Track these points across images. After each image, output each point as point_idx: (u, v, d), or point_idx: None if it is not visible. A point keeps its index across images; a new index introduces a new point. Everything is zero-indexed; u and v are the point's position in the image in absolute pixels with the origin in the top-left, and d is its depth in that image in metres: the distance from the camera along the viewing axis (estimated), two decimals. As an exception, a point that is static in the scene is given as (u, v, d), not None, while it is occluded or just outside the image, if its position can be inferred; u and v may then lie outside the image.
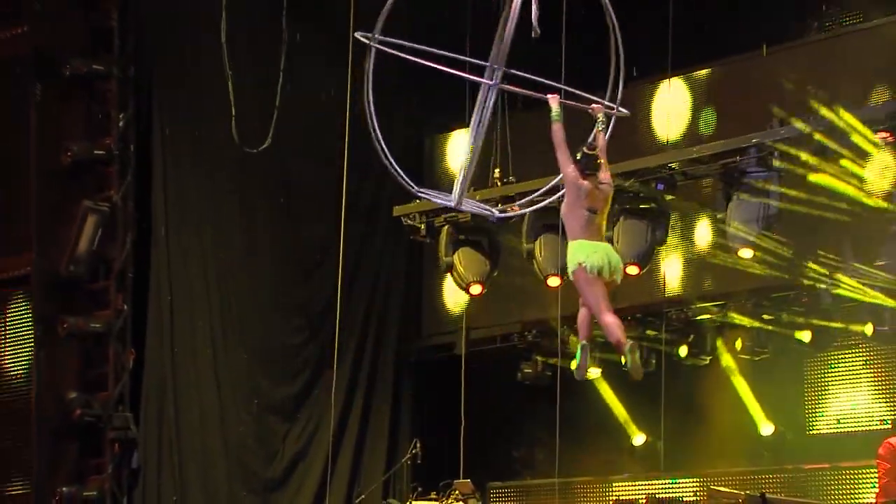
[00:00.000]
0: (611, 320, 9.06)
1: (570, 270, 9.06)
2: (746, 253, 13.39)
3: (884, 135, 12.82)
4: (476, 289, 14.73)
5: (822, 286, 13.80)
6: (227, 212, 15.34)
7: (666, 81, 14.63)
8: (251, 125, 14.68)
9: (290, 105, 14.72)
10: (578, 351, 9.25)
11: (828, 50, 13.76)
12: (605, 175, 9.15)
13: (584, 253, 9.01)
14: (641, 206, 13.79)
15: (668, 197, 13.89)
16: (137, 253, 14.98)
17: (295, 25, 14.88)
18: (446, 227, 14.79)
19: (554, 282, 14.22)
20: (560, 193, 9.32)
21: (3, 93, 14.92)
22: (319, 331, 15.41)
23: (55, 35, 14.72)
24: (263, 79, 14.69)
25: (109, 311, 14.75)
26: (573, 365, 9.47)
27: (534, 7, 8.92)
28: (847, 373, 14.29)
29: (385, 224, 15.59)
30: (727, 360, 14.78)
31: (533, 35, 8.98)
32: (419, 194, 9.52)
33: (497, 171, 14.61)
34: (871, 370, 14.42)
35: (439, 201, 9.62)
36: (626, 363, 9.19)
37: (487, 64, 8.98)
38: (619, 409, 15.45)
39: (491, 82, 8.96)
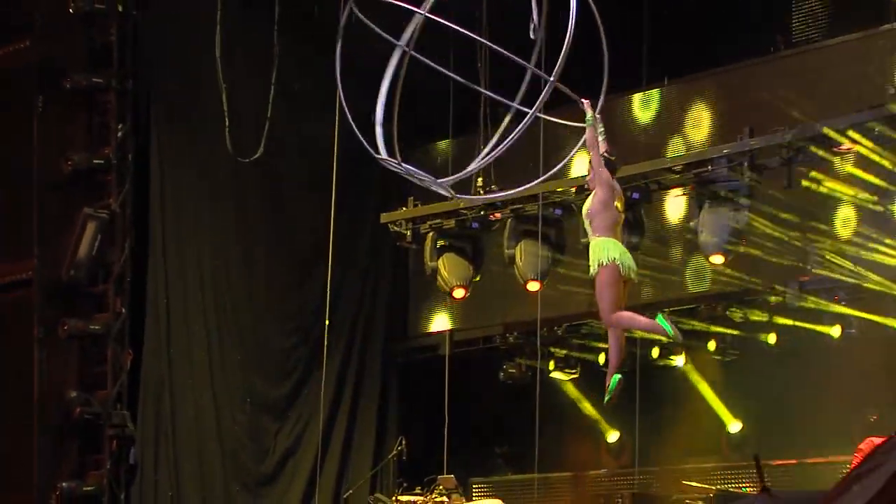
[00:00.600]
0: (626, 314, 9.31)
1: (600, 265, 9.15)
2: (717, 259, 13.76)
3: (846, 145, 13.30)
4: (459, 293, 15.06)
5: (790, 291, 14.23)
6: (222, 218, 15.55)
7: (640, 94, 15.01)
8: (244, 135, 14.88)
9: (281, 116, 14.94)
10: (614, 383, 9.34)
11: (797, 65, 14.06)
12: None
13: (618, 251, 9.23)
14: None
15: (644, 205, 14.26)
16: (135, 258, 15.19)
17: (286, 39, 15.11)
18: (431, 233, 15.11)
19: (533, 286, 14.56)
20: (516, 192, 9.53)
21: (7, 104, 15.16)
22: (309, 333, 15.61)
23: (57, 49, 14.96)
24: (256, 91, 14.88)
25: (108, 314, 14.96)
26: (608, 394, 9.49)
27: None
28: (812, 373, 14.65)
29: (372, 231, 15.81)
30: (699, 360, 15.09)
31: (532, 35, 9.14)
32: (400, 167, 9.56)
33: (480, 179, 14.84)
34: (837, 371, 14.79)
35: (420, 176, 9.65)
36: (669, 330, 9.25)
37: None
38: (594, 409, 15.70)
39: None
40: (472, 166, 9.61)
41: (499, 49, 9.28)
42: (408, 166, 9.45)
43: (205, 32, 14.66)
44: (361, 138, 9.35)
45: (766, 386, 14.70)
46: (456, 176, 9.70)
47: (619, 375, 9.41)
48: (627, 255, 9.27)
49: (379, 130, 9.29)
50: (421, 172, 9.51)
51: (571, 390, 15.86)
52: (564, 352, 15.75)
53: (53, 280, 14.85)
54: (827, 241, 13.68)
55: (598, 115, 9.33)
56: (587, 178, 9.53)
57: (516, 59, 9.14)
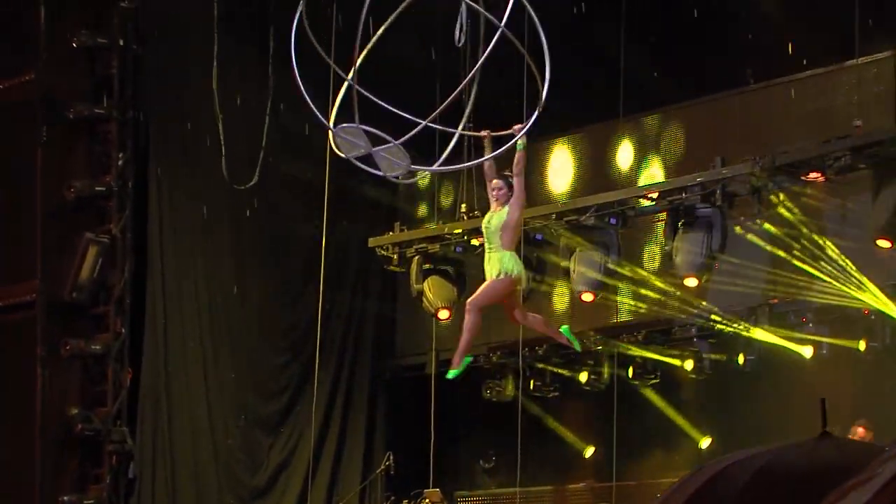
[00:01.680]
0: (536, 317, 10.24)
1: (505, 274, 9.87)
2: (691, 281, 14.19)
3: (815, 175, 13.81)
4: (444, 314, 15.32)
5: (760, 314, 14.68)
6: (218, 243, 15.83)
7: (618, 126, 15.44)
8: (239, 163, 15.18)
9: (275, 145, 15.29)
10: (463, 366, 10.26)
11: (766, 97, 14.48)
12: None
13: (521, 267, 10.01)
14: (596, 238, 14.59)
15: (621, 230, 14.69)
16: (135, 281, 15.50)
17: (280, 71, 15.51)
18: (417, 257, 15.40)
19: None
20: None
21: (12, 134, 15.47)
22: (301, 352, 15.83)
23: (60, 82, 15.31)
24: (251, 120, 15.21)
25: (109, 334, 15.29)
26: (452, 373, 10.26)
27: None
28: (781, 392, 14.95)
29: (361, 254, 16.02)
30: (673, 379, 15.42)
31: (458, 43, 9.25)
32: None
33: (463, 206, 15.39)
34: (805, 389, 15.22)
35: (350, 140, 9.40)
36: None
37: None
38: (574, 425, 16.06)
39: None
40: (435, 167, 9.93)
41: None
42: (366, 127, 9.33)
43: (202, 65, 15.01)
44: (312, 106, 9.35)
45: (736, 404, 15.13)
46: (414, 167, 9.41)
47: (469, 358, 10.27)
48: (524, 269, 10.08)
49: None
50: (380, 133, 9.24)
51: (552, 408, 16.17)
52: (545, 370, 16.12)
53: (56, 302, 15.15)
54: (796, 266, 14.12)
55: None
56: (497, 192, 9.93)
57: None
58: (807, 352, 14.47)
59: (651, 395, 15.56)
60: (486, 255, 10.06)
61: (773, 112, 14.41)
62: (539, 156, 15.58)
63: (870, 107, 13.63)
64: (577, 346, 10.40)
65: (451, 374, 10.40)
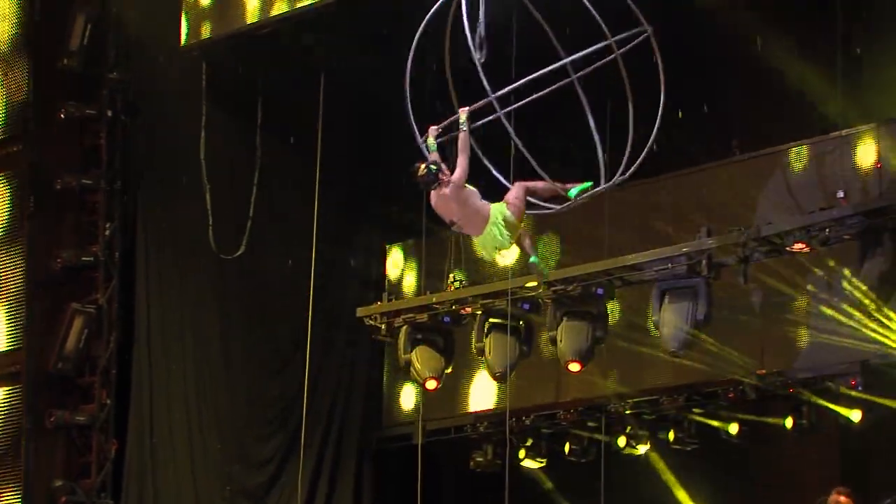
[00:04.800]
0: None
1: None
2: (677, 353, 14.22)
3: (800, 245, 13.90)
4: (432, 384, 15.33)
5: (748, 381, 14.73)
6: (205, 313, 15.85)
7: (603, 194, 15.49)
8: (227, 233, 15.30)
9: (263, 215, 15.42)
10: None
11: (751, 168, 14.57)
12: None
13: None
14: (583, 309, 14.65)
15: (608, 300, 14.76)
16: (121, 351, 15.49)
17: (267, 142, 15.67)
18: (405, 327, 15.42)
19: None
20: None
21: (0, 205, 15.53)
22: (288, 422, 15.85)
23: (48, 152, 15.39)
24: (238, 191, 15.36)
25: (94, 405, 15.25)
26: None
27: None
28: (772, 462, 15.13)
29: (348, 324, 16.05)
30: (662, 450, 15.47)
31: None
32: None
33: (452, 275, 15.49)
34: (795, 460, 15.27)
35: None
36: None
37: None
38: (562, 498, 16.09)
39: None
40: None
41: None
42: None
43: (190, 135, 15.14)
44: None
45: (726, 475, 15.15)
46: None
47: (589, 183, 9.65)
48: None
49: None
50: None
51: (541, 477, 16.16)
52: (534, 440, 16.15)
53: (42, 372, 15.13)
54: (783, 333, 14.24)
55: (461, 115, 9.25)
56: (442, 176, 9.19)
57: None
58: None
59: (646, 463, 15.57)
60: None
61: (759, 183, 14.47)
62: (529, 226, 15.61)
63: (853, 178, 13.73)
64: (546, 274, 9.85)
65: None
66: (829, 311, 13.93)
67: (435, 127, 9.24)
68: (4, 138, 15.53)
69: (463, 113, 9.13)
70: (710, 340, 14.21)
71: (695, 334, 13.97)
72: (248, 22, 15.17)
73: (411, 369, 15.46)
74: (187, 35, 15.52)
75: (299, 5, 14.77)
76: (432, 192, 9.15)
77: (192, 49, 15.49)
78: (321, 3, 14.54)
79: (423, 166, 9.10)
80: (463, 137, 9.13)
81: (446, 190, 9.08)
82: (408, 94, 9.25)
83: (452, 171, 9.15)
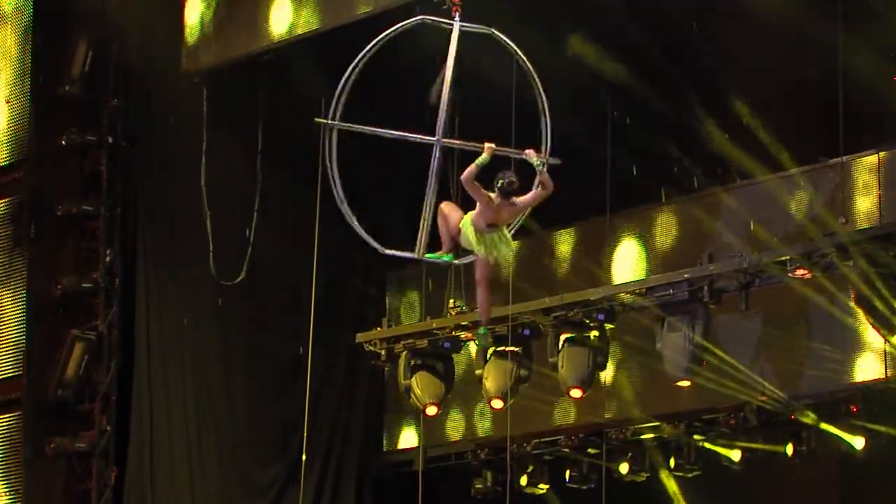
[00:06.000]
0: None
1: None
2: (681, 381, 14.20)
3: (801, 272, 13.92)
4: (432, 410, 15.30)
5: (749, 407, 14.75)
6: (204, 338, 15.84)
7: (603, 220, 15.49)
8: (227, 259, 15.29)
9: (263, 241, 15.41)
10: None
11: (752, 194, 14.57)
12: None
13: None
14: (584, 335, 14.65)
15: (609, 326, 14.75)
16: (121, 377, 15.52)
17: (269, 168, 15.72)
18: (405, 352, 15.40)
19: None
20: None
21: (2, 231, 15.58)
22: (288, 448, 15.83)
23: (49, 179, 15.45)
24: (239, 217, 15.37)
25: (94, 432, 15.27)
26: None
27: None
28: (773, 490, 15.18)
29: (349, 350, 16.05)
30: (663, 476, 15.49)
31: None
32: (386, 252, 9.96)
33: (452, 301, 15.45)
34: (796, 487, 15.27)
35: (405, 255, 9.95)
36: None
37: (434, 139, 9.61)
38: None
39: (434, 139, 9.53)
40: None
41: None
42: (391, 251, 9.93)
43: (191, 161, 15.17)
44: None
45: (727, 501, 15.15)
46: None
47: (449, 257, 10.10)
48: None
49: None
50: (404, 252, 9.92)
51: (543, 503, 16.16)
52: (534, 467, 16.12)
53: (42, 399, 15.15)
54: (784, 359, 14.26)
55: (532, 159, 9.69)
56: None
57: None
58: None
59: (648, 490, 15.56)
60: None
61: (759, 209, 14.49)
62: (531, 251, 15.70)
63: (855, 204, 13.75)
64: (450, 258, 10.21)
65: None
66: (829, 337, 13.96)
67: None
68: (5, 164, 15.55)
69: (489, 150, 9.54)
70: (711, 366, 14.18)
71: (696, 360, 13.98)
72: (249, 48, 15.25)
73: (411, 395, 15.44)
74: (188, 61, 15.57)
75: (299, 32, 14.86)
76: (500, 199, 9.59)
77: (192, 75, 15.55)
78: (319, 31, 14.66)
79: (516, 179, 9.64)
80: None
81: (516, 200, 9.65)
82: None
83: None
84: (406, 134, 9.69)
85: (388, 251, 9.91)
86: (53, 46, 15.60)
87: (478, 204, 9.80)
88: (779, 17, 13.61)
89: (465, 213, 9.81)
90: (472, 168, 9.61)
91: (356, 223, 9.66)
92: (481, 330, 10.80)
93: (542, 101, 9.71)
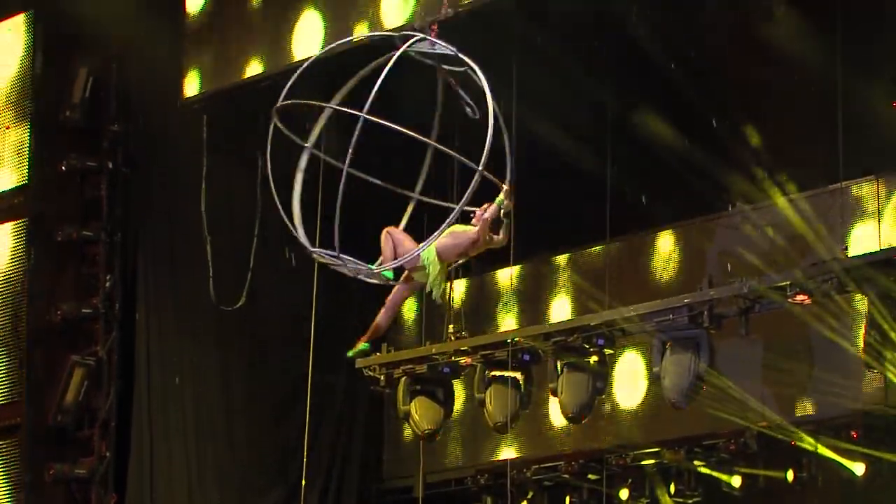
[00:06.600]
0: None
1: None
2: (681, 405, 14.27)
3: (801, 297, 13.93)
4: (431, 436, 15.19)
5: (750, 433, 14.76)
6: (205, 365, 15.87)
7: (603, 246, 15.62)
8: (227, 285, 15.30)
9: (263, 267, 15.42)
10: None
11: (753, 220, 14.60)
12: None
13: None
14: (584, 360, 14.61)
15: (608, 351, 14.79)
16: (121, 403, 15.50)
17: (268, 193, 15.69)
18: (404, 378, 15.36)
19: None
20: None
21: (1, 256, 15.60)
22: (288, 474, 15.83)
23: (49, 204, 15.49)
24: (239, 242, 15.35)
25: (93, 458, 15.25)
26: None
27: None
28: None
29: (348, 375, 16.03)
30: (664, 502, 15.45)
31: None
32: (312, 253, 10.05)
33: (451, 326, 15.45)
34: None
35: (329, 261, 10.05)
36: None
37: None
38: None
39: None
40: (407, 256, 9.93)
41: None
42: (346, 257, 9.90)
43: (191, 187, 15.18)
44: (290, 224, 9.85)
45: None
46: (394, 262, 9.92)
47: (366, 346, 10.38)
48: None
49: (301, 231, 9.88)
50: (355, 261, 9.91)
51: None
52: (534, 493, 16.11)
53: (41, 425, 15.14)
54: (784, 384, 14.28)
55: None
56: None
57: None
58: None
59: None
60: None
61: (760, 234, 14.52)
62: (532, 278, 15.71)
63: (855, 230, 13.78)
64: (390, 275, 10.27)
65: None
66: (830, 363, 13.97)
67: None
68: (5, 190, 15.53)
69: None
70: (711, 392, 14.17)
71: (696, 386, 13.95)
72: (249, 74, 15.26)
73: (410, 421, 15.42)
74: (188, 88, 15.59)
75: (298, 59, 14.87)
76: (485, 230, 9.69)
77: (192, 101, 15.56)
78: (318, 58, 14.66)
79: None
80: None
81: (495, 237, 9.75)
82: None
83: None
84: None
85: (314, 250, 9.94)
86: (54, 72, 15.65)
87: (462, 238, 9.80)
88: (779, 41, 13.68)
89: (414, 241, 9.75)
90: (495, 208, 9.66)
91: (289, 220, 9.81)
92: (363, 346, 10.75)
93: (509, 142, 9.59)
